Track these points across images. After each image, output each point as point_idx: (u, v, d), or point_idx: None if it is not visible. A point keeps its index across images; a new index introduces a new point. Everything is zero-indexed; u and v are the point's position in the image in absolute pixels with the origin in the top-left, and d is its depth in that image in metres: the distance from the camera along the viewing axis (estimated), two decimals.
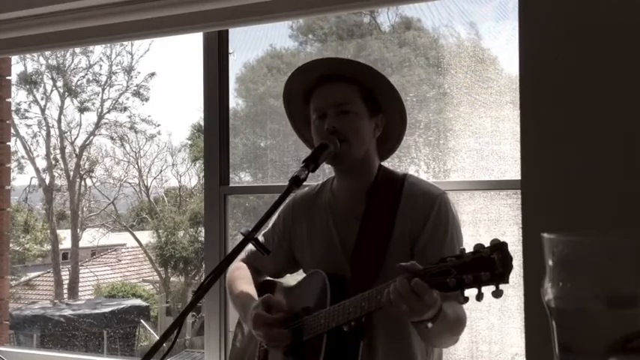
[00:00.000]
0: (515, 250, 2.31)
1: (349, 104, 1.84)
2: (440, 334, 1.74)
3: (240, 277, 2.08)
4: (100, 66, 14.03)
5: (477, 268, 1.41)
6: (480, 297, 1.43)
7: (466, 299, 1.46)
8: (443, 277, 1.46)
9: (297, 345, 1.86)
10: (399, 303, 1.52)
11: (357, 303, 1.65)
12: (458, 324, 1.77)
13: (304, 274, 2.02)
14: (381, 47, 2.97)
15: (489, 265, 1.40)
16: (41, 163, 13.95)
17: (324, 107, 1.86)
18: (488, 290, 1.42)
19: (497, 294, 1.40)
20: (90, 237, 14.40)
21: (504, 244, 1.42)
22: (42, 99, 13.83)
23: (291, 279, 2.15)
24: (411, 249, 1.81)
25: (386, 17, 3.18)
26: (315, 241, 1.97)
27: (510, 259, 1.41)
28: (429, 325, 1.57)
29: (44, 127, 13.89)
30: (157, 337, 1.86)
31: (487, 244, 1.45)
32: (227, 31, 2.87)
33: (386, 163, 2.02)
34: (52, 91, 13.87)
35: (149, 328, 11.86)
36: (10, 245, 3.81)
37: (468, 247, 1.50)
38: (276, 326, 1.84)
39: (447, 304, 1.63)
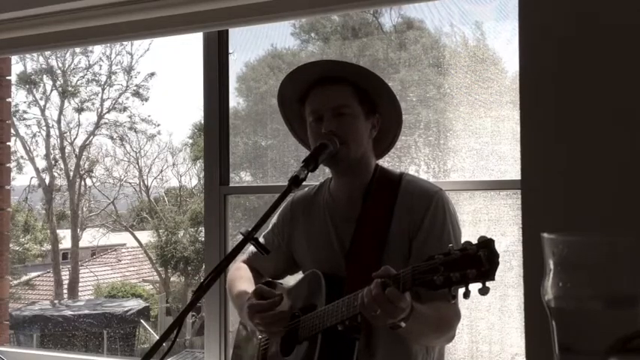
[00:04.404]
0: (515, 250, 2.32)
1: (345, 107, 1.84)
2: (421, 333, 1.73)
3: (240, 276, 2.08)
4: (100, 66, 14.06)
5: (464, 265, 1.40)
6: (467, 295, 1.42)
7: (454, 297, 1.45)
8: (430, 274, 1.44)
9: (293, 345, 1.86)
10: (373, 308, 1.52)
11: (350, 302, 1.65)
12: (442, 323, 1.76)
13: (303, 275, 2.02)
14: (384, 47, 2.96)
15: (476, 262, 1.39)
16: (41, 163, 13.98)
17: (320, 110, 1.85)
18: (476, 287, 1.41)
19: (484, 291, 1.39)
20: (90, 237, 14.41)
21: (491, 241, 1.40)
22: (41, 99, 13.85)
23: (292, 280, 2.15)
24: (408, 247, 1.81)
25: (388, 17, 3.18)
26: (314, 242, 1.97)
27: (497, 256, 1.39)
28: (402, 324, 1.57)
29: (44, 127, 13.92)
30: (157, 337, 1.86)
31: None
32: (227, 31, 2.87)
33: (386, 164, 2.02)
34: (51, 91, 13.89)
35: (149, 328, 11.86)
36: (10, 245, 3.81)
37: None
38: (271, 310, 1.82)
39: (428, 304, 1.64)
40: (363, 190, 1.90)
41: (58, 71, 13.90)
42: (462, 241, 1.81)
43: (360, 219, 1.87)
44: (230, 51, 2.90)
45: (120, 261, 14.98)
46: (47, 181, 13.87)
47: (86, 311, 10.95)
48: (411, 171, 2.58)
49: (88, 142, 14.13)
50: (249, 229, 1.62)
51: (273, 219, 2.08)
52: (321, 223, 1.96)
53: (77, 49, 13.13)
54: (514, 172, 2.33)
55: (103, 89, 13.95)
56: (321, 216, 1.97)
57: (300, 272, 2.07)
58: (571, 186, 1.79)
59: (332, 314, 1.71)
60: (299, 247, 2.03)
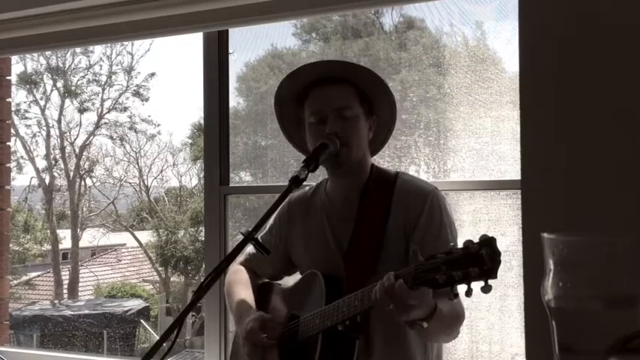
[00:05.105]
0: (515, 250, 2.32)
1: (349, 108, 1.84)
2: (438, 332, 1.74)
3: (239, 280, 2.08)
4: (100, 66, 14.05)
5: (466, 264, 1.41)
6: (469, 293, 1.42)
7: (456, 295, 1.45)
8: (432, 273, 1.45)
9: (293, 346, 1.86)
10: (386, 302, 1.52)
11: (351, 302, 1.65)
12: (454, 320, 1.77)
13: (300, 276, 2.02)
14: (384, 47, 2.96)
15: (478, 260, 1.40)
16: (41, 163, 13.97)
17: (323, 111, 1.84)
18: (477, 285, 1.42)
19: (486, 289, 1.39)
20: (90, 237, 14.40)
21: (493, 240, 1.41)
22: (42, 99, 13.85)
23: (291, 280, 2.14)
24: (405, 246, 1.81)
25: (389, 17, 3.18)
26: (311, 243, 1.97)
27: (499, 254, 1.40)
28: (424, 324, 1.57)
29: (44, 127, 13.91)
30: (157, 337, 1.86)
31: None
32: (227, 31, 2.87)
33: (387, 164, 2.02)
34: (51, 91, 13.89)
35: (149, 328, 11.86)
36: (10, 245, 3.81)
37: None
38: (266, 348, 1.85)
39: (442, 302, 1.64)
40: (359, 190, 1.90)
41: (59, 71, 13.91)
42: (458, 238, 1.82)
43: (358, 219, 1.87)
44: (230, 51, 2.90)
45: (120, 261, 14.97)
46: (47, 181, 13.86)
47: (86, 311, 10.95)
48: (411, 171, 2.58)
49: (88, 142, 14.13)
50: (250, 229, 1.62)
51: (270, 220, 2.07)
52: (318, 223, 1.96)
53: (77, 49, 13.13)
54: (514, 172, 2.33)
55: (104, 89, 13.96)
56: (317, 217, 1.97)
57: (298, 273, 2.07)
58: (571, 186, 1.79)
59: (332, 314, 1.71)
60: (296, 247, 2.02)
